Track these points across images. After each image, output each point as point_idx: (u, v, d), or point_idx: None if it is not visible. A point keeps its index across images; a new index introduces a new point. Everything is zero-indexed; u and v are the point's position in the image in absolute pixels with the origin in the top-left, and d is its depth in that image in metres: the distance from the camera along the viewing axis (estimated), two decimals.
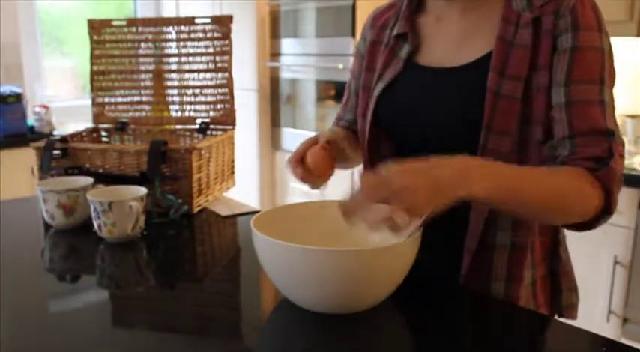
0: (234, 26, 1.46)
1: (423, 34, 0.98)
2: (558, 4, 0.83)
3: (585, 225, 0.82)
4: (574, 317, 0.96)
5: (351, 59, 3.10)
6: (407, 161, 0.71)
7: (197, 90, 1.51)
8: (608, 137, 0.80)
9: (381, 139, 0.99)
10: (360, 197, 0.71)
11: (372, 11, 1.09)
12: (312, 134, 1.00)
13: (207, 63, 1.49)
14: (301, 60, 3.19)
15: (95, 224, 1.08)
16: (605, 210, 0.80)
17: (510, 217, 0.88)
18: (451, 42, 0.94)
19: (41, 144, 1.29)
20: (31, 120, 3.06)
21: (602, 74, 0.83)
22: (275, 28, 3.33)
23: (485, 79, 0.85)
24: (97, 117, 1.56)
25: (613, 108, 0.83)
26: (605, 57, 0.83)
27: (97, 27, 1.52)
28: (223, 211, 1.29)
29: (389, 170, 0.70)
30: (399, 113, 0.96)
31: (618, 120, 0.85)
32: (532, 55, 0.84)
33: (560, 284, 0.95)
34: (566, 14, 0.83)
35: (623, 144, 0.83)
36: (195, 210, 1.27)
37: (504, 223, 0.88)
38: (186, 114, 1.53)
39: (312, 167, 0.92)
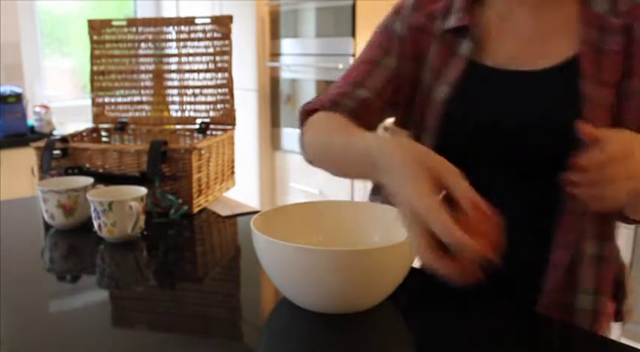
0: (234, 26, 1.46)
1: (484, 30, 0.88)
2: None
3: None
4: (629, 320, 0.93)
5: (351, 59, 3.11)
6: (625, 132, 0.66)
7: (197, 90, 1.51)
8: None
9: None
10: (596, 158, 0.64)
11: None
12: None
13: (207, 63, 1.49)
14: (301, 60, 3.19)
15: (95, 224, 1.08)
16: None
17: (597, 224, 0.83)
18: (519, 42, 0.86)
19: (41, 144, 1.29)
20: (31, 120, 3.06)
21: None
22: (275, 28, 3.33)
23: (574, 84, 0.80)
24: (97, 117, 1.56)
25: None
26: None
27: (97, 27, 1.52)
28: (223, 211, 1.29)
29: (627, 140, 0.65)
30: (473, 120, 0.85)
31: None
32: (624, 61, 0.80)
33: (625, 290, 0.91)
34: None
35: None
36: (195, 210, 1.27)
37: (593, 230, 0.83)
38: (186, 114, 1.53)
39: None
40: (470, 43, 0.87)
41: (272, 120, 3.47)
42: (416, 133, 0.91)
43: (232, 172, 1.51)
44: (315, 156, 0.91)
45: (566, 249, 0.83)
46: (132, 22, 1.53)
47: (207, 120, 1.49)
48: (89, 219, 1.12)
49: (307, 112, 0.96)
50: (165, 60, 1.53)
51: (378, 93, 0.92)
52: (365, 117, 0.91)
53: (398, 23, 0.94)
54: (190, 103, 1.52)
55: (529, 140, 0.82)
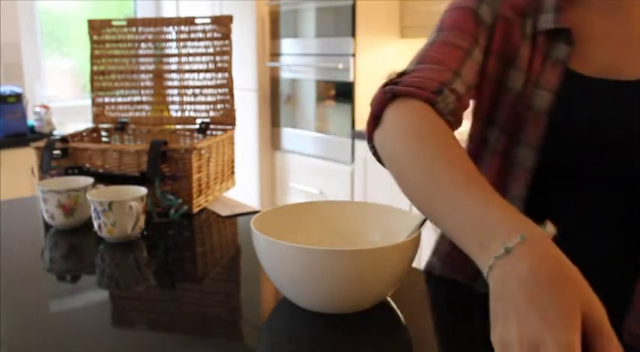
0: (234, 26, 1.46)
1: (582, 31, 0.76)
2: None
3: None
4: None
5: (351, 59, 3.10)
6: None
7: (197, 90, 1.51)
8: None
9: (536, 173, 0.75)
10: None
11: None
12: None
13: (207, 63, 1.49)
14: (301, 60, 3.19)
15: (95, 224, 1.08)
16: None
17: None
18: (618, 47, 0.75)
19: (41, 144, 1.29)
20: (31, 120, 3.07)
21: None
22: (275, 28, 3.33)
23: None
24: (97, 117, 1.56)
25: None
26: None
27: (97, 27, 1.52)
28: (223, 211, 1.29)
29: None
30: (579, 133, 0.73)
31: None
32: None
33: None
34: None
35: None
36: (195, 210, 1.27)
37: None
38: (186, 114, 1.53)
39: None
40: (566, 46, 0.75)
41: (272, 120, 3.47)
42: (506, 145, 0.77)
43: (232, 172, 1.51)
44: (391, 168, 0.71)
45: None
46: (132, 22, 1.53)
47: (207, 120, 1.49)
48: (89, 219, 1.12)
49: (395, 95, 0.72)
50: (165, 60, 1.53)
51: (468, 91, 0.76)
52: (454, 122, 0.74)
53: (485, 8, 0.78)
54: (190, 103, 1.52)
55: (629, 159, 0.71)
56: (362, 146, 2.80)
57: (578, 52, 0.75)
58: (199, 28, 1.48)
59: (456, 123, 0.74)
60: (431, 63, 0.74)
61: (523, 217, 0.49)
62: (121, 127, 1.54)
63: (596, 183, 0.73)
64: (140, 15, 4.00)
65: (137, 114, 1.56)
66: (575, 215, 0.66)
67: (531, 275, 0.44)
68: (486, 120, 0.80)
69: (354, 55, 2.87)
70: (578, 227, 0.72)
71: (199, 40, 1.48)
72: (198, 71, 1.50)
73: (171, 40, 1.51)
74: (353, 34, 2.86)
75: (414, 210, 0.70)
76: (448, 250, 0.95)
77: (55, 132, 3.00)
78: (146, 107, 1.55)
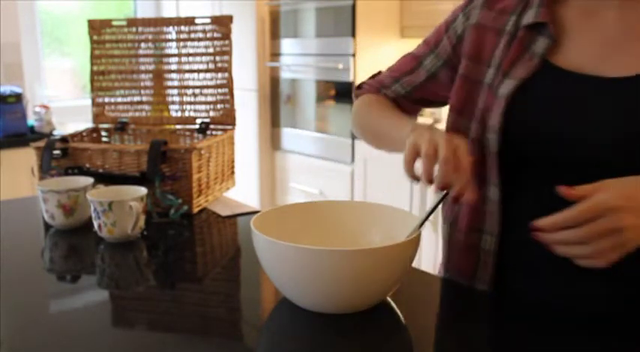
0: (234, 26, 1.46)
1: (563, 27, 0.81)
2: None
3: None
4: None
5: (351, 59, 3.10)
6: (622, 183, 0.64)
7: (197, 90, 1.51)
8: None
9: (501, 151, 0.83)
10: (567, 218, 0.64)
11: None
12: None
13: (207, 63, 1.49)
14: (301, 60, 3.19)
15: (95, 224, 1.08)
16: None
17: None
18: (600, 44, 0.78)
19: (41, 144, 1.29)
20: (31, 120, 3.06)
21: None
22: (275, 28, 3.33)
23: None
24: (97, 117, 1.56)
25: None
26: None
27: (96, 27, 1.52)
28: (223, 211, 1.29)
29: (607, 197, 0.62)
30: (535, 126, 0.79)
31: None
32: None
33: None
34: None
35: None
36: (195, 210, 1.27)
37: None
38: (186, 114, 1.53)
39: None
40: (546, 40, 0.81)
41: (272, 120, 3.47)
42: (479, 133, 0.85)
43: (232, 172, 1.51)
44: (357, 127, 1.05)
45: None
46: (132, 22, 1.53)
47: (207, 120, 1.49)
48: (89, 219, 1.12)
49: (359, 94, 1.08)
50: (165, 60, 1.53)
51: (410, 92, 1.00)
52: (401, 107, 1.01)
53: (460, 20, 0.91)
54: (190, 103, 1.52)
55: (592, 152, 0.75)
56: (362, 146, 2.79)
57: (559, 47, 0.81)
58: (199, 28, 1.48)
59: (399, 106, 1.01)
60: (389, 69, 1.04)
61: (415, 122, 0.86)
62: (121, 127, 1.54)
63: (564, 174, 0.77)
64: (140, 15, 4.00)
65: (137, 114, 1.56)
66: (548, 205, 0.70)
67: (421, 130, 0.78)
68: (461, 112, 0.89)
69: (354, 55, 2.87)
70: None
71: (199, 40, 1.48)
72: (198, 71, 1.50)
73: (172, 40, 1.51)
74: (353, 34, 2.86)
75: (415, 210, 0.75)
76: (447, 252, 0.95)
77: (55, 132, 2.99)
78: (146, 107, 1.55)
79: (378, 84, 1.04)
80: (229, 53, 1.47)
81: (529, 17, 0.82)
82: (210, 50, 1.48)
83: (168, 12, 3.98)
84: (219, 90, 1.48)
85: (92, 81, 1.54)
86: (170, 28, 1.50)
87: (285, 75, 3.33)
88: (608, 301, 0.77)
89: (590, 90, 0.77)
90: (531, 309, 0.80)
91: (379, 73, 1.06)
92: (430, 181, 0.74)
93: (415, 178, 0.78)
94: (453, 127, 0.89)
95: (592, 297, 0.77)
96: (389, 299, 0.81)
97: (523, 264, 0.82)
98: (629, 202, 0.63)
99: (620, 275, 0.74)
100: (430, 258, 2.46)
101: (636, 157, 0.72)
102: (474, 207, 0.86)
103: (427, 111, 2.81)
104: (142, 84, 1.54)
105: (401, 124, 0.87)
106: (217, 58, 1.48)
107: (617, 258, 0.64)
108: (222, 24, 1.46)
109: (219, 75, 1.48)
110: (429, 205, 0.76)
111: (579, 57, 0.79)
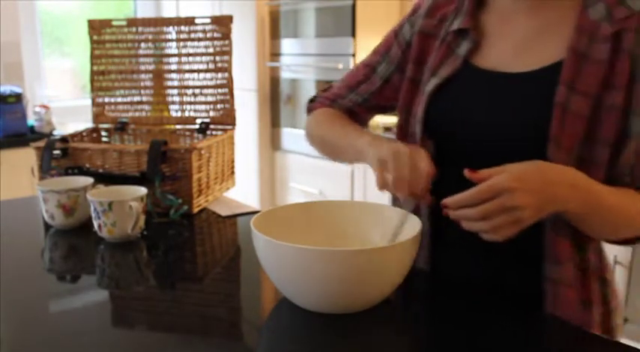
0: (234, 26, 1.46)
1: (484, 32, 0.91)
2: None
3: (630, 242, 0.85)
4: (618, 336, 0.95)
5: (351, 59, 3.10)
6: (519, 167, 0.73)
7: (197, 90, 1.51)
8: None
9: (425, 139, 0.93)
10: (467, 198, 0.72)
11: None
12: None
13: (207, 63, 1.49)
14: (301, 60, 3.19)
15: (95, 224, 1.08)
16: None
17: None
18: (513, 45, 0.87)
19: (41, 144, 1.29)
20: (31, 120, 3.06)
21: None
22: (275, 28, 3.33)
23: (552, 90, 0.79)
24: (97, 117, 1.56)
25: None
26: None
27: (96, 27, 1.52)
28: (223, 211, 1.29)
29: (503, 179, 0.71)
30: (450, 116, 0.90)
31: None
32: (606, 71, 0.79)
33: (610, 306, 0.91)
34: None
35: None
36: (195, 210, 1.27)
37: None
38: (186, 114, 1.53)
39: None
40: (468, 44, 0.90)
41: (272, 120, 3.47)
42: (404, 119, 0.98)
43: (232, 172, 1.51)
44: (314, 141, 1.10)
45: (555, 261, 0.83)
46: (132, 22, 1.53)
47: (207, 120, 1.49)
48: (89, 219, 1.12)
49: (312, 108, 1.14)
50: (165, 60, 1.53)
51: (367, 99, 1.05)
52: (356, 116, 1.07)
53: (407, 28, 1.00)
54: (190, 103, 1.52)
55: (497, 136, 0.85)
56: None
57: (479, 49, 0.91)
58: (199, 28, 1.48)
59: (353, 116, 1.06)
60: (340, 81, 1.11)
61: (374, 136, 0.89)
62: (121, 127, 1.54)
63: (475, 158, 0.85)
64: (140, 15, 4.00)
65: (137, 114, 1.56)
66: (465, 187, 0.79)
67: (378, 142, 0.86)
68: (407, 112, 0.97)
69: (354, 55, 2.87)
70: None
71: (199, 40, 1.48)
72: (198, 71, 1.50)
73: (172, 40, 1.51)
74: (353, 34, 2.86)
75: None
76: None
77: (55, 132, 2.99)
78: (146, 107, 1.55)
79: (332, 96, 1.09)
80: (229, 53, 1.47)
81: (456, 24, 0.92)
82: (210, 50, 1.48)
83: (169, 12, 3.98)
84: (219, 90, 1.48)
85: (92, 81, 1.54)
86: (170, 28, 1.50)
87: (285, 75, 3.33)
88: (520, 278, 0.87)
89: (498, 85, 0.87)
90: (458, 287, 0.86)
91: (331, 86, 1.11)
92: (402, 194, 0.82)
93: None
94: (402, 126, 0.98)
95: (504, 274, 0.88)
96: (389, 299, 0.81)
97: (451, 243, 0.91)
98: (521, 184, 0.71)
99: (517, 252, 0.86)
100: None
101: (534, 142, 0.80)
102: None
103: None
104: (142, 84, 1.54)
105: (356, 136, 0.94)
106: (217, 58, 1.48)
107: (512, 233, 0.72)
108: (222, 24, 1.46)
109: (219, 75, 1.48)
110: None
111: (495, 57, 0.89)
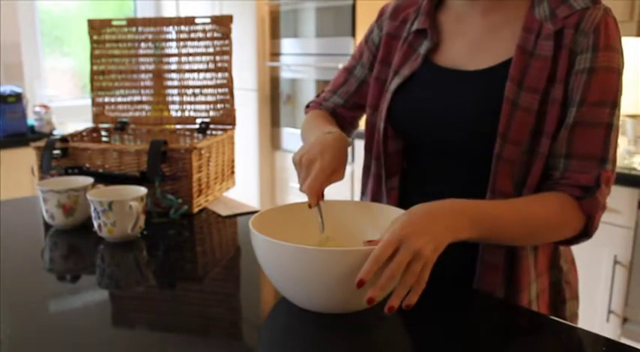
0: (234, 26, 1.46)
1: (442, 31, 0.96)
2: (581, 17, 0.82)
3: (565, 242, 0.87)
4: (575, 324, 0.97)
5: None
6: (403, 216, 0.73)
7: (197, 90, 1.51)
8: (602, 164, 0.83)
9: (389, 136, 0.98)
10: (374, 260, 0.70)
11: (394, 1, 1.05)
12: None
13: (207, 63, 1.49)
14: (301, 60, 3.19)
15: (95, 224, 1.08)
16: (584, 234, 0.86)
17: None
18: (468, 44, 0.92)
19: (41, 144, 1.29)
20: (31, 120, 3.06)
21: (617, 96, 0.83)
22: (275, 28, 3.33)
23: (502, 87, 0.84)
24: (97, 117, 1.56)
25: (618, 130, 0.85)
26: (620, 77, 0.84)
27: (96, 27, 1.53)
28: (223, 211, 1.29)
29: (394, 232, 0.71)
30: (411, 112, 0.95)
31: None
32: (551, 67, 0.83)
33: (563, 295, 0.94)
34: (589, 33, 0.81)
35: (614, 169, 0.85)
36: (195, 210, 1.27)
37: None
38: (186, 114, 1.53)
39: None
40: (428, 43, 0.95)
41: (272, 120, 3.47)
42: (372, 117, 1.02)
43: (232, 172, 1.51)
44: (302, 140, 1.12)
45: (492, 248, 0.88)
46: (132, 22, 1.53)
47: (207, 120, 1.49)
48: (89, 219, 1.12)
49: (306, 112, 1.19)
50: (165, 60, 1.53)
51: (347, 100, 1.12)
52: (340, 116, 1.13)
53: (376, 31, 1.06)
54: (190, 103, 1.52)
55: (451, 135, 0.90)
56: (362, 146, 2.79)
57: (439, 47, 0.95)
58: (199, 27, 1.48)
59: (338, 116, 1.13)
60: (328, 85, 1.17)
61: (319, 134, 0.92)
62: (121, 127, 1.54)
63: (438, 156, 0.93)
64: (140, 15, 4.00)
65: (137, 114, 1.56)
66: (431, 180, 0.92)
67: (307, 142, 0.91)
68: (374, 108, 1.02)
69: None
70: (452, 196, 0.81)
71: (199, 39, 1.49)
72: (198, 71, 1.50)
73: (171, 40, 1.51)
74: (353, 34, 2.86)
75: None
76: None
77: (55, 132, 3.00)
78: (146, 107, 1.55)
79: (320, 100, 1.17)
80: (229, 53, 1.47)
81: (416, 24, 0.97)
82: (210, 50, 1.48)
83: (168, 12, 3.98)
84: (219, 90, 1.48)
85: (92, 81, 1.54)
86: (170, 28, 1.50)
87: (285, 75, 3.33)
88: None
89: (454, 82, 0.91)
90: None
91: (322, 91, 1.18)
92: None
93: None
94: (369, 122, 1.03)
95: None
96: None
97: None
98: (411, 228, 0.71)
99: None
100: None
101: (487, 137, 0.84)
102: (376, 183, 1.02)
103: None
104: (142, 84, 1.54)
105: (312, 133, 0.98)
106: (217, 58, 1.48)
107: (424, 282, 0.71)
108: (222, 24, 1.46)
109: (219, 75, 1.48)
110: None
111: (453, 55, 0.93)
